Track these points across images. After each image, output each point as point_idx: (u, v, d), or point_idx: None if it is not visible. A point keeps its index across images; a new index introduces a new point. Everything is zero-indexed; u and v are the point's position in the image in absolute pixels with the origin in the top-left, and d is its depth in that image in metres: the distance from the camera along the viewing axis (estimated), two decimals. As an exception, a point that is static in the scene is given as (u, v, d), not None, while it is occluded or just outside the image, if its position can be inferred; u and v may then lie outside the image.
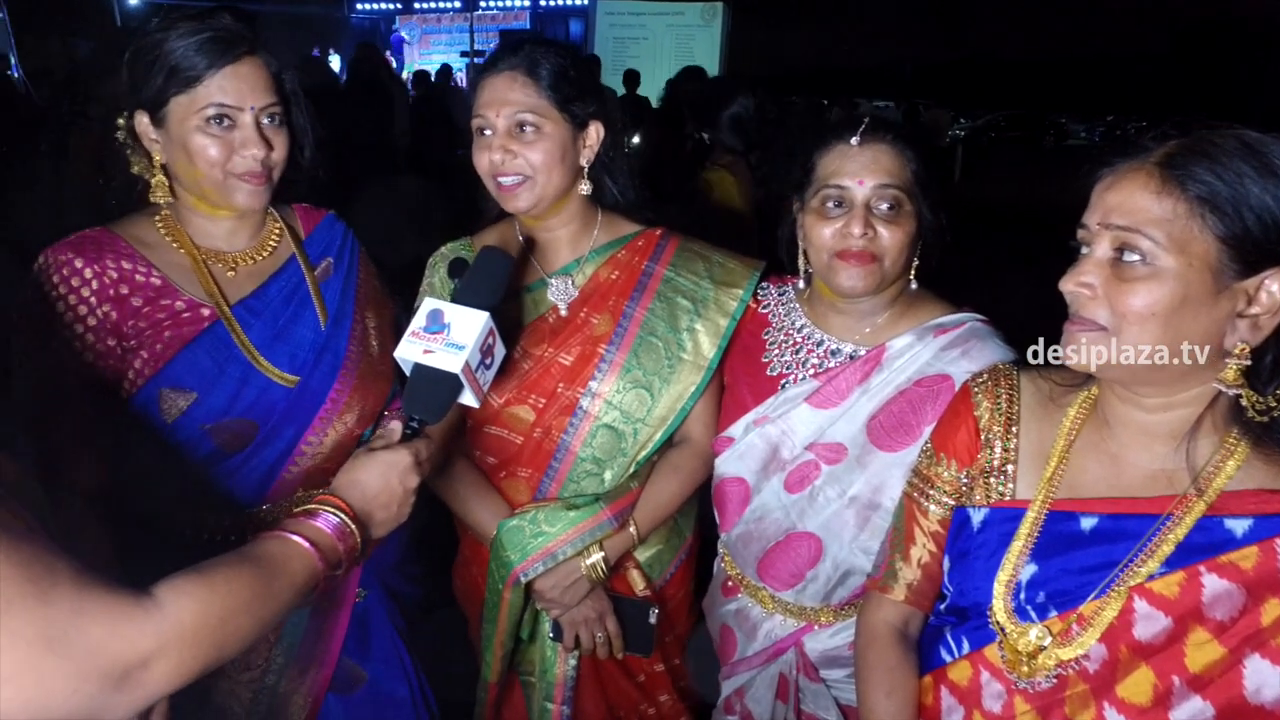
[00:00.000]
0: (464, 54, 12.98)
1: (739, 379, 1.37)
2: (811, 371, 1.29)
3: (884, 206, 1.18)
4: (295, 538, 0.85)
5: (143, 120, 1.19)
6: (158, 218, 1.26)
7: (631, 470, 1.37)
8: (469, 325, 1.02)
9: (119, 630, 0.65)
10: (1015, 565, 0.93)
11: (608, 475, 1.36)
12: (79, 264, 1.16)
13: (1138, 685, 0.85)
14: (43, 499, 0.80)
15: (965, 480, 1.02)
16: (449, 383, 1.02)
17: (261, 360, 1.24)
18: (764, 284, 1.40)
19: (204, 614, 0.72)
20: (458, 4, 14.37)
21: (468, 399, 1.05)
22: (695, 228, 1.51)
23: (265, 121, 1.21)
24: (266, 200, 1.26)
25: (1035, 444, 0.98)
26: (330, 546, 0.87)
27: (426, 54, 14.60)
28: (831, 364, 1.28)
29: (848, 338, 1.28)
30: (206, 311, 1.22)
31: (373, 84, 5.42)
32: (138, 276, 1.19)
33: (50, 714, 0.64)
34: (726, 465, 1.36)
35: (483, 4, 14.22)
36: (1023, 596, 0.92)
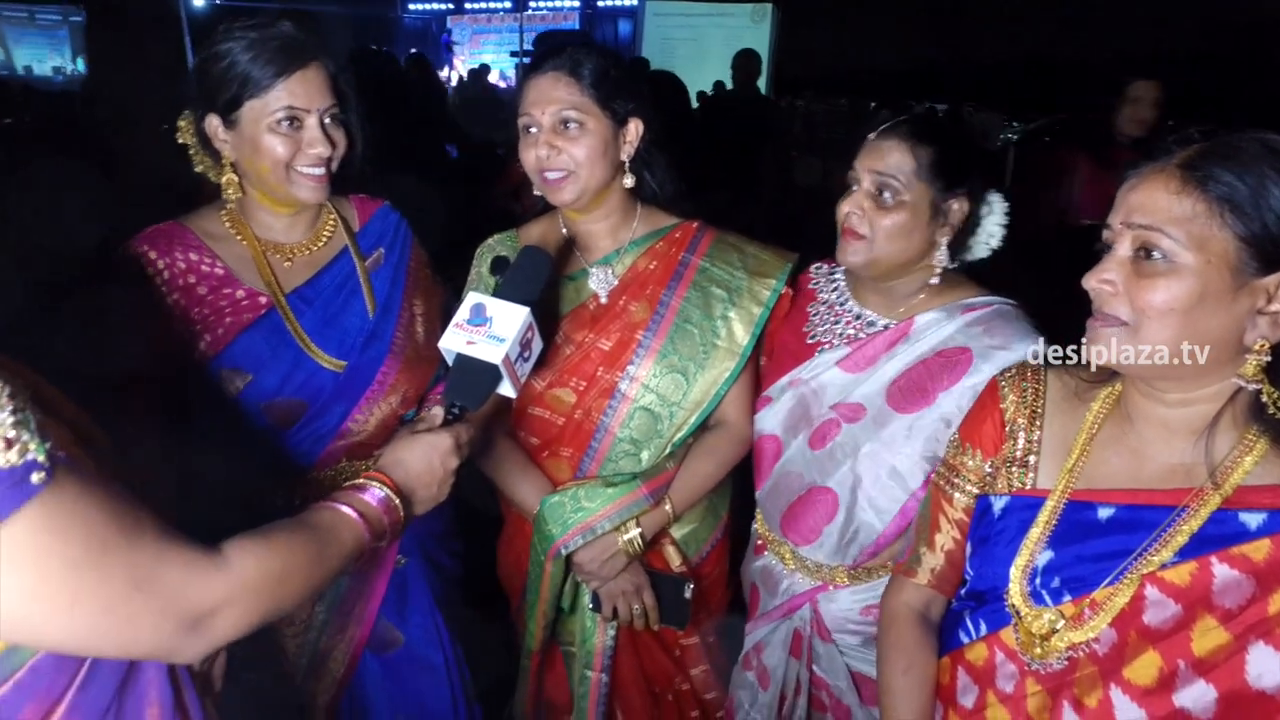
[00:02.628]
0: (513, 54, 13.18)
1: (784, 347, 1.46)
2: (846, 340, 1.37)
3: (878, 193, 1.27)
4: (345, 509, 0.91)
5: (214, 122, 1.29)
6: (224, 212, 1.36)
7: (668, 451, 1.44)
8: (510, 319, 1.08)
9: (193, 580, 0.72)
10: (1032, 551, 0.97)
11: (645, 455, 1.43)
12: (152, 255, 1.29)
13: (1144, 668, 0.87)
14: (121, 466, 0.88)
15: (989, 470, 1.06)
16: (489, 373, 1.08)
17: (312, 346, 1.35)
18: (818, 264, 1.50)
19: (264, 571, 0.78)
20: (508, 4, 14.59)
21: (506, 389, 1.11)
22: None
23: (327, 121, 1.30)
24: (326, 195, 1.35)
25: (1058, 437, 1.02)
26: (376, 518, 0.94)
27: (477, 53, 14.85)
28: (864, 334, 1.36)
29: (883, 313, 1.36)
30: (264, 300, 1.33)
31: (425, 95, 5.58)
32: (203, 266, 1.31)
33: (134, 649, 0.71)
34: (763, 423, 1.45)
35: (532, 5, 14.40)
36: (1038, 581, 0.95)
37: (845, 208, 1.30)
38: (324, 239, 1.42)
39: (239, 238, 1.36)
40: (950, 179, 1.25)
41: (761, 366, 1.53)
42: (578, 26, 14.20)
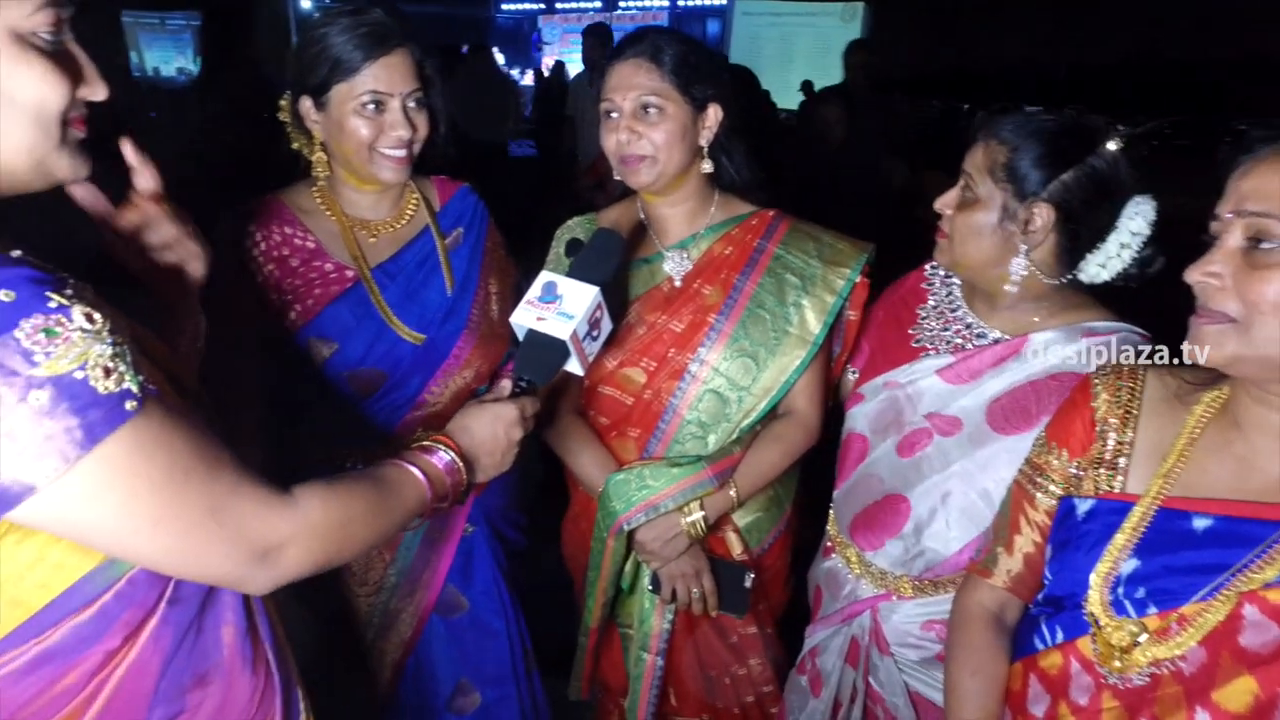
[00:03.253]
0: (601, 52, 13.37)
1: (884, 344, 1.43)
2: (952, 348, 1.32)
3: (962, 191, 1.24)
4: (411, 467, 0.95)
5: (306, 104, 1.35)
6: (315, 189, 1.43)
7: (735, 436, 1.43)
8: (579, 298, 1.10)
9: (264, 514, 0.76)
10: (1116, 558, 0.92)
11: (711, 439, 1.43)
12: (251, 228, 1.37)
13: (1237, 693, 0.81)
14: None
15: (1076, 471, 1.01)
16: (557, 349, 1.10)
17: (394, 319, 1.40)
18: (933, 264, 1.44)
19: (329, 515, 0.82)
20: (598, 4, 14.78)
21: (573, 366, 1.13)
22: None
23: (410, 105, 1.35)
24: (407, 176, 1.40)
25: (1153, 440, 0.96)
26: (439, 479, 0.97)
27: (567, 52, 15.10)
28: (972, 345, 1.31)
29: (993, 324, 1.30)
30: (350, 273, 1.39)
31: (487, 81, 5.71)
32: (296, 240, 1.38)
33: (208, 573, 0.77)
34: (854, 421, 1.43)
35: (622, 4, 14.54)
36: (1121, 591, 0.91)
37: (938, 204, 1.27)
38: (407, 217, 1.48)
39: (328, 213, 1.42)
40: (1027, 183, 1.18)
41: (855, 362, 1.51)
42: (666, 26, 14.28)
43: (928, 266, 1.45)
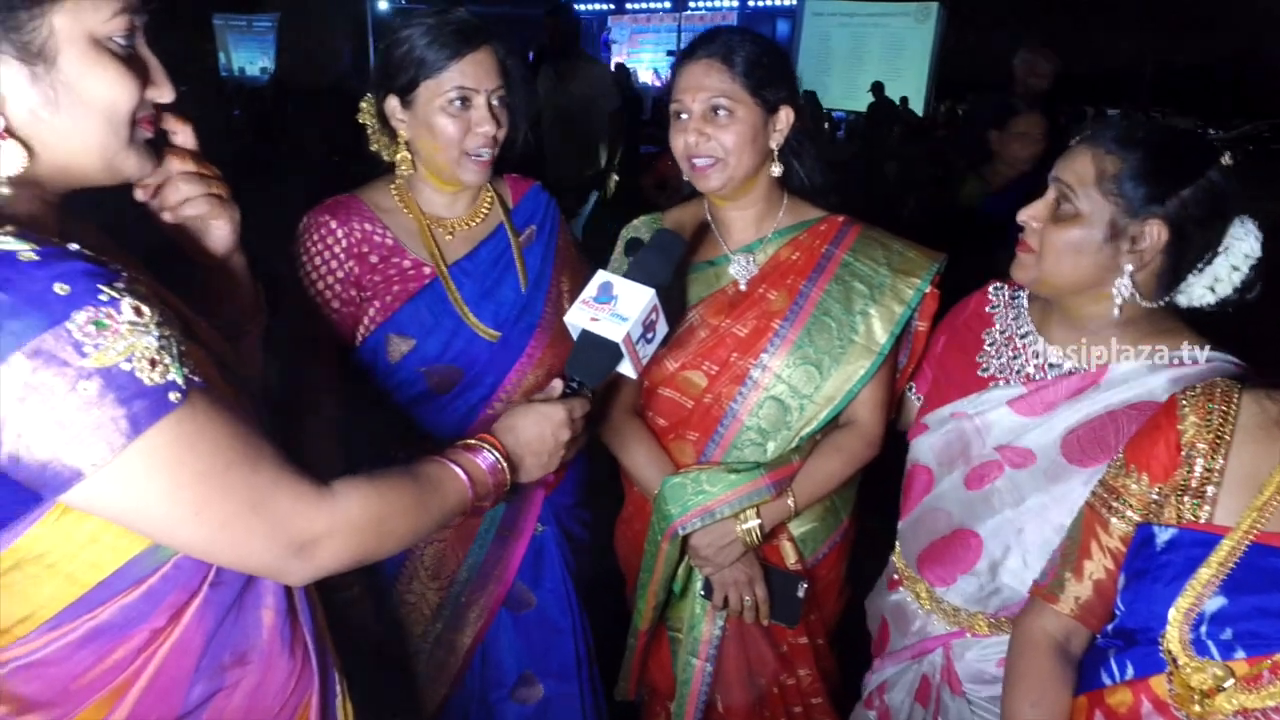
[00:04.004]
0: (669, 53, 13.37)
1: (949, 372, 1.37)
2: (1024, 378, 1.25)
3: (1057, 204, 1.16)
4: (453, 465, 0.94)
5: (392, 103, 1.38)
6: (393, 186, 1.46)
7: (794, 444, 1.41)
8: (635, 299, 1.09)
9: (302, 508, 0.77)
10: (1199, 594, 0.86)
11: (770, 446, 1.42)
12: (333, 224, 1.39)
13: None
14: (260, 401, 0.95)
15: (1156, 496, 0.95)
16: (610, 350, 1.08)
17: (470, 316, 1.42)
18: (998, 284, 1.38)
19: (368, 510, 0.83)
20: (667, 5, 14.80)
21: (626, 369, 1.12)
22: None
23: (494, 103, 1.36)
24: (488, 177, 1.41)
25: (1247, 469, 0.89)
26: (482, 479, 0.96)
27: (635, 52, 15.19)
28: (1045, 375, 1.23)
29: (1069, 353, 1.22)
30: (428, 270, 1.41)
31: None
32: (375, 237, 1.41)
33: (246, 563, 0.79)
34: (918, 452, 1.38)
35: (691, 5, 14.52)
36: (1204, 630, 0.85)
37: (1023, 215, 1.19)
38: (482, 215, 1.50)
39: (406, 211, 1.44)
40: (1142, 199, 1.09)
41: (919, 387, 1.47)
42: (735, 26, 14.22)
43: (992, 287, 1.39)
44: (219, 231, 0.98)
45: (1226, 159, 1.09)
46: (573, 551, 1.63)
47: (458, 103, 1.34)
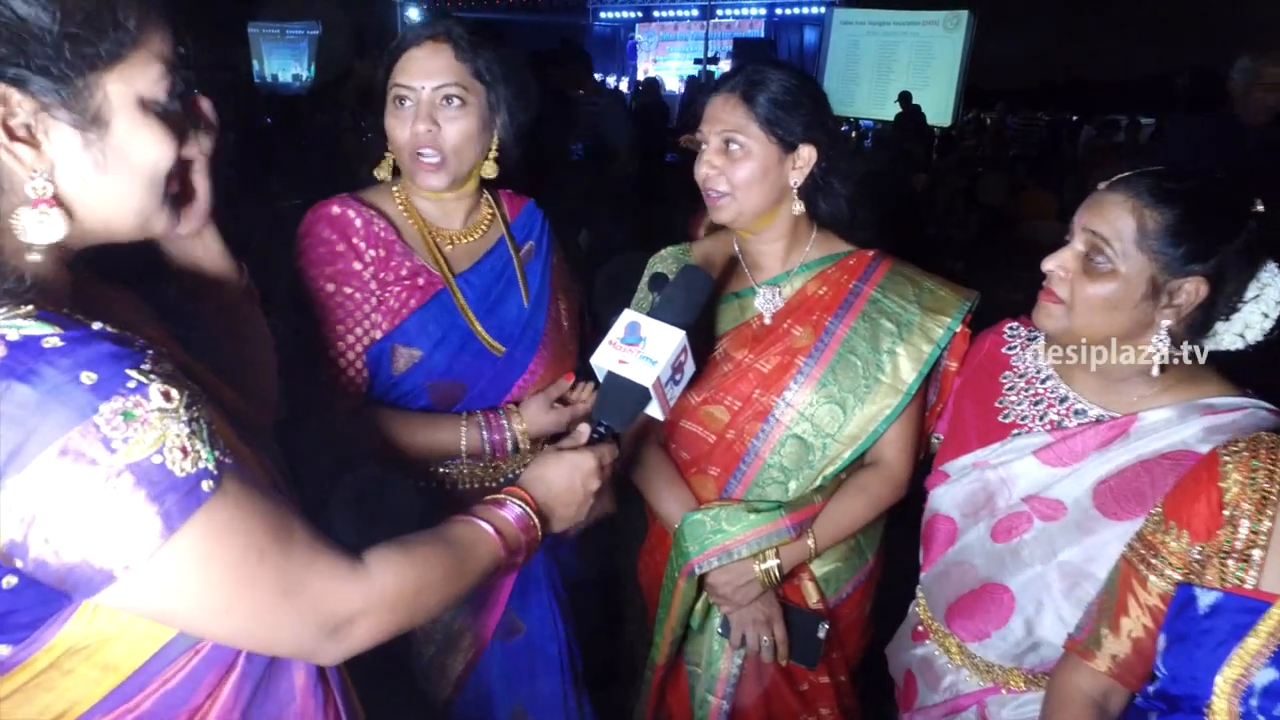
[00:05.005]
0: (697, 61, 13.34)
1: (967, 419, 1.32)
2: (1048, 426, 1.21)
3: (1088, 255, 1.10)
4: (484, 524, 0.91)
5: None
6: (396, 190, 1.39)
7: (817, 484, 1.39)
8: (665, 342, 1.05)
9: (336, 589, 0.74)
10: (1248, 665, 0.82)
11: (793, 485, 1.39)
12: (351, 214, 1.32)
13: None
14: (274, 443, 0.93)
15: (1198, 556, 0.91)
16: (639, 394, 1.05)
17: (480, 328, 1.38)
18: (1014, 324, 1.34)
19: (403, 585, 0.79)
20: (695, 13, 14.78)
21: (654, 411, 1.09)
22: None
23: (440, 102, 1.28)
24: (443, 183, 1.33)
25: None
26: (513, 535, 0.93)
27: (663, 59, 15.19)
28: (1072, 424, 1.19)
29: (1096, 400, 1.18)
30: (436, 279, 1.37)
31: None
32: (389, 238, 1.34)
33: (276, 649, 0.76)
34: (939, 502, 1.33)
35: (719, 13, 14.50)
36: (1255, 703, 0.81)
37: (1049, 264, 1.14)
38: (482, 229, 1.46)
39: (409, 218, 1.39)
40: (1185, 256, 1.05)
41: (938, 429, 1.43)
42: (763, 35, 14.16)
43: (1007, 327, 1.34)
44: (208, 263, 0.94)
45: (1259, 207, 1.06)
46: (562, 574, 1.60)
47: (397, 101, 1.30)
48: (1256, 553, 0.86)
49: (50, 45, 0.63)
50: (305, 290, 1.32)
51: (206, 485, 0.66)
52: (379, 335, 1.33)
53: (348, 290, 1.31)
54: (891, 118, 10.24)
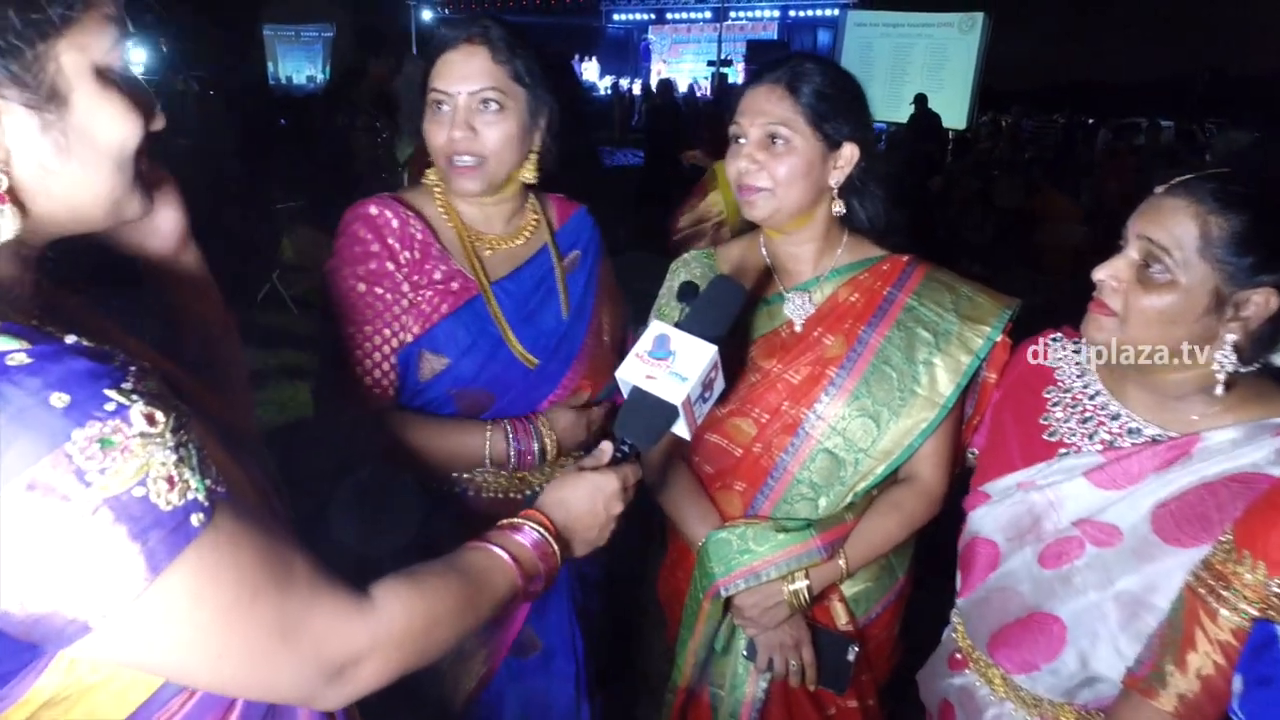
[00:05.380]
0: (710, 63, 13.31)
1: (1009, 435, 1.24)
2: (1099, 446, 1.12)
3: (1145, 265, 1.02)
4: (499, 551, 0.85)
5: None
6: (437, 192, 1.36)
7: (848, 500, 1.32)
8: (696, 357, 0.98)
9: (340, 629, 0.68)
10: None
11: (823, 502, 1.33)
12: (388, 214, 1.29)
13: None
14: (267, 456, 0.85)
15: (1277, 590, 0.84)
16: (667, 412, 0.98)
17: (512, 338, 1.34)
18: (1056, 334, 1.25)
19: (412, 620, 0.73)
20: (708, 15, 14.74)
21: (680, 429, 1.02)
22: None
23: (479, 107, 1.25)
24: (480, 188, 1.29)
25: None
26: (531, 562, 0.87)
27: (676, 62, 15.16)
28: (1125, 443, 1.11)
29: (1151, 418, 1.10)
30: (471, 285, 1.32)
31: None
32: (424, 239, 1.31)
33: (275, 696, 0.70)
34: (980, 524, 1.24)
35: (732, 15, 14.45)
36: None
37: (1101, 273, 1.06)
38: (525, 236, 1.41)
39: (448, 220, 1.35)
40: (1254, 266, 0.96)
41: (974, 443, 1.36)
42: (776, 37, 14.11)
43: (1050, 338, 1.26)
44: (165, 223, 0.85)
45: None
46: (584, 589, 1.54)
47: (434, 106, 1.27)
48: None
49: None
50: (337, 288, 1.29)
51: (196, 519, 0.58)
52: (408, 339, 1.30)
53: (379, 290, 1.27)
54: (905, 120, 10.16)
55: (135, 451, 0.55)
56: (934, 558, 1.46)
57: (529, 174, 1.36)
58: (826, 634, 1.38)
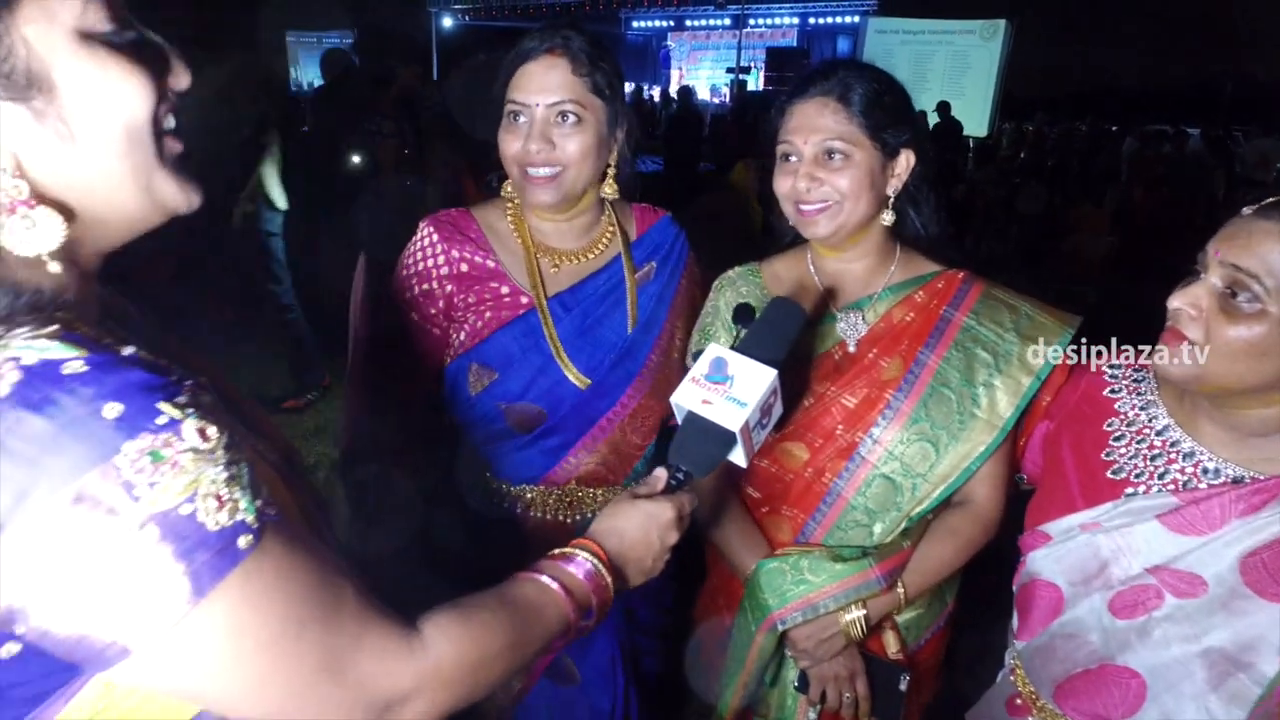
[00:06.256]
0: (729, 70, 13.29)
1: (1067, 471, 1.17)
2: (1172, 486, 1.05)
3: (1231, 293, 0.95)
4: (551, 583, 0.82)
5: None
6: (509, 207, 1.37)
7: (903, 526, 1.27)
8: (755, 382, 0.95)
9: (388, 666, 0.65)
10: None
11: (877, 528, 1.28)
12: (436, 238, 1.32)
13: None
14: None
15: None
16: (724, 439, 0.95)
17: (563, 354, 1.31)
18: (1117, 362, 1.19)
19: (462, 658, 0.71)
20: (727, 22, 14.73)
21: (737, 457, 0.98)
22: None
23: (556, 119, 1.24)
24: (555, 200, 1.28)
25: None
26: (584, 594, 0.84)
27: (694, 69, 15.16)
28: (1201, 484, 1.04)
29: (1229, 455, 1.03)
30: (525, 299, 1.31)
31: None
32: (477, 258, 1.32)
33: None
34: (1039, 566, 1.18)
35: (751, 22, 14.43)
36: None
37: (1177, 301, 1.00)
38: (598, 250, 1.39)
39: (516, 235, 1.35)
40: None
41: (1024, 468, 1.31)
42: (796, 44, 14.08)
43: (1109, 364, 1.19)
44: None
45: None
46: (629, 626, 1.50)
47: (512, 116, 1.26)
48: None
49: None
50: (394, 296, 1.31)
51: (244, 541, 0.56)
52: (459, 352, 1.30)
53: (434, 301, 1.30)
54: (929, 128, 10.09)
55: (185, 467, 0.53)
56: (973, 582, 1.41)
57: (609, 190, 1.36)
58: (879, 663, 1.34)
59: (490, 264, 1.31)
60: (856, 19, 13.70)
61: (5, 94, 0.54)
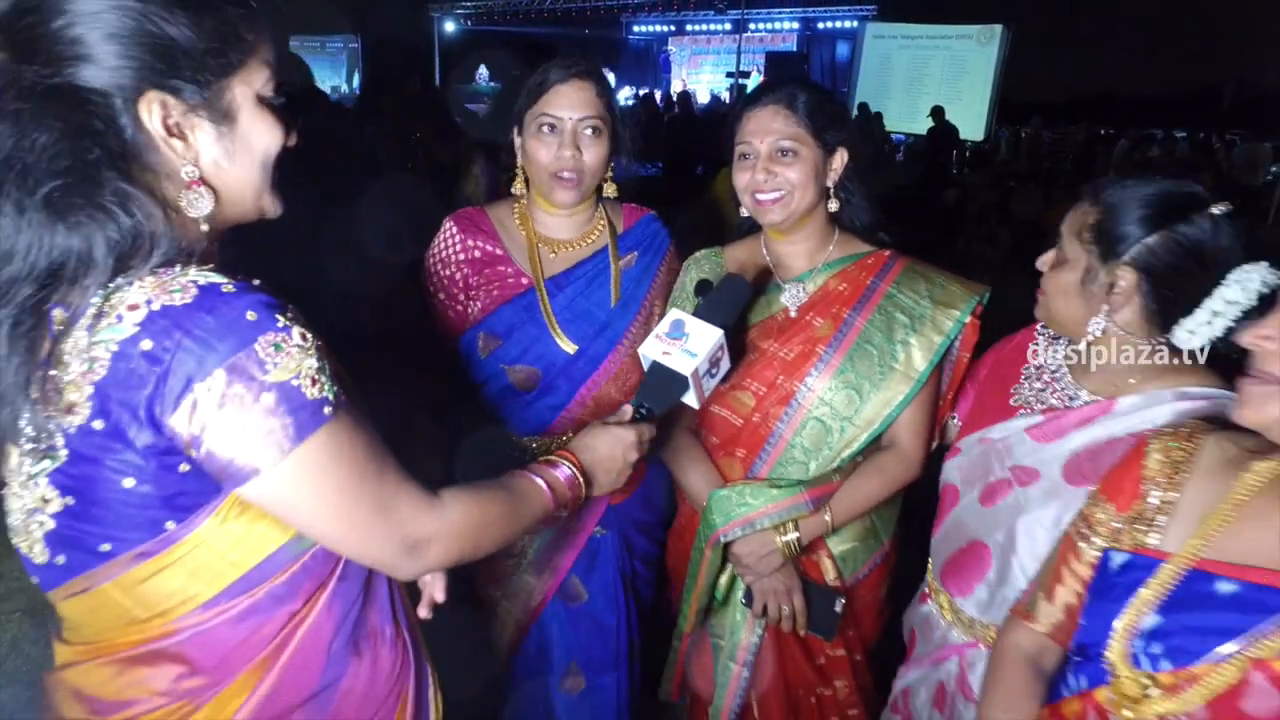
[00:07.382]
0: (729, 74, 13.48)
1: (985, 401, 1.47)
2: (1045, 408, 1.34)
3: (1057, 251, 1.26)
4: (538, 480, 1.06)
5: (515, 130, 1.58)
6: (516, 205, 1.65)
7: (835, 464, 1.50)
8: (704, 339, 1.20)
9: (418, 514, 0.89)
10: (1139, 612, 0.92)
11: (813, 465, 1.50)
12: (455, 230, 1.62)
13: None
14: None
15: (1119, 524, 1.01)
16: (679, 382, 1.20)
17: (555, 325, 1.59)
18: (1045, 328, 1.41)
19: (469, 517, 0.94)
20: (728, 27, 14.94)
21: (690, 399, 1.23)
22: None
23: (586, 132, 1.52)
24: (577, 199, 1.57)
25: (1197, 502, 0.94)
26: (561, 491, 1.08)
27: (695, 73, 15.37)
28: (1066, 407, 1.32)
29: (1089, 387, 1.31)
30: (526, 281, 1.60)
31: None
32: (488, 246, 1.62)
33: (368, 557, 0.90)
34: (948, 473, 1.48)
35: (751, 26, 14.63)
36: (1140, 644, 0.91)
37: (1039, 262, 1.33)
38: (590, 241, 1.67)
39: (521, 229, 1.64)
40: (1109, 246, 1.18)
41: (957, 412, 1.57)
42: (795, 48, 14.27)
43: (1039, 325, 1.44)
44: None
45: (1219, 209, 1.14)
46: (632, 558, 1.75)
47: (545, 128, 1.51)
48: (1162, 519, 0.96)
49: (195, 58, 0.80)
50: (425, 275, 1.63)
51: (328, 410, 0.80)
52: (473, 323, 1.60)
53: (454, 282, 1.60)
54: (923, 131, 10.28)
55: (294, 355, 0.78)
56: (925, 534, 1.63)
57: (610, 189, 1.65)
58: (816, 586, 1.55)
59: (498, 251, 1.61)
60: (855, 24, 13.89)
61: (210, 117, 0.82)
